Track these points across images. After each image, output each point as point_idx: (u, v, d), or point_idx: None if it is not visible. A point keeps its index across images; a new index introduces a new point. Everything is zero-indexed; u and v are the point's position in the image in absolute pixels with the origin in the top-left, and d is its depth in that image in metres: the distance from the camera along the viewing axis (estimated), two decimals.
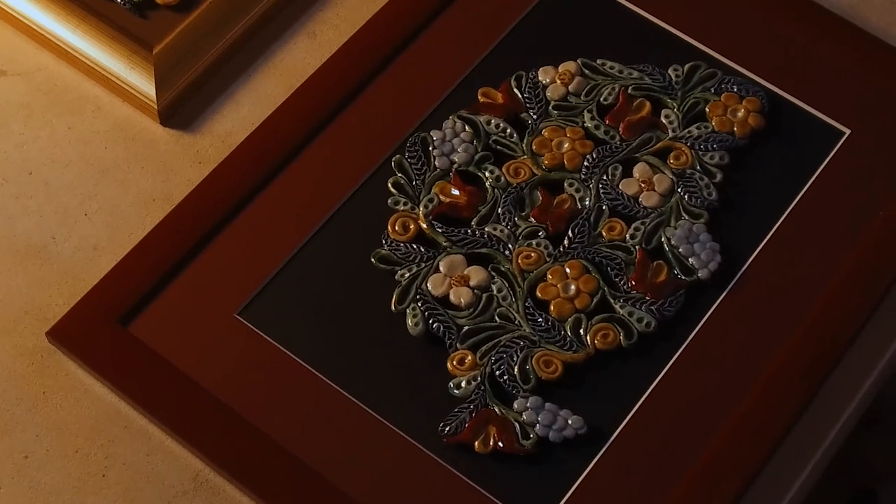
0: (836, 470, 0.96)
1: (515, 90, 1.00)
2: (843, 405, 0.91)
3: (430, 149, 0.97)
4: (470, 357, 0.89)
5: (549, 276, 0.92)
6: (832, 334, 0.92)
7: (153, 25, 1.01)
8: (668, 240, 0.94)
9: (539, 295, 0.92)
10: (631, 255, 0.93)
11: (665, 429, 0.89)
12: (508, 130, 0.98)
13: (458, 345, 0.90)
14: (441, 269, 0.92)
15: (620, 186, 0.96)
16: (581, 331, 0.91)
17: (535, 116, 0.99)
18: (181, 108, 1.00)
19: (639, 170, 0.97)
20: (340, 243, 0.94)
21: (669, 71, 1.01)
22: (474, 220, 0.95)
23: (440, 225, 0.94)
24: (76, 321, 0.91)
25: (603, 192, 0.96)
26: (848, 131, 1.00)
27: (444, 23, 1.03)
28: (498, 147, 0.98)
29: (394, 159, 0.97)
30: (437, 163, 0.96)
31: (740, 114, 0.99)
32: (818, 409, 0.91)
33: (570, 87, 1.00)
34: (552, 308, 0.91)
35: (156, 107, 0.99)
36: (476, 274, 0.92)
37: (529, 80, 1.00)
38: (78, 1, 1.01)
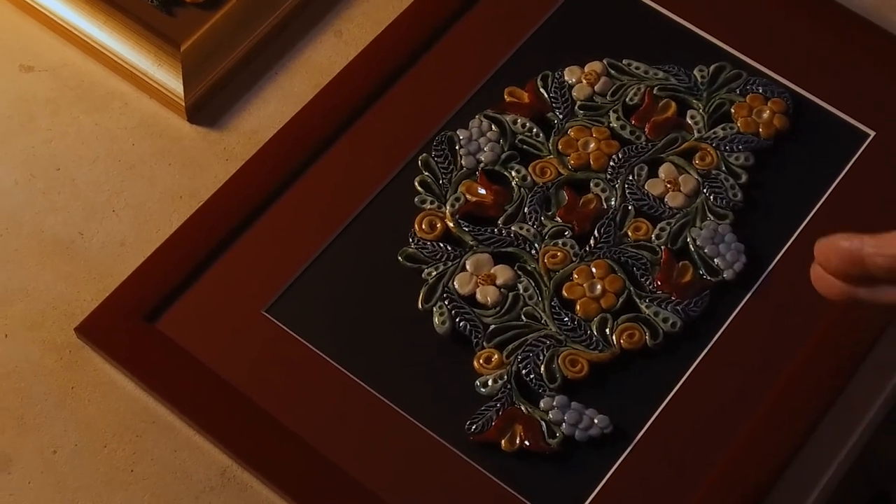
0: (854, 472, 0.96)
1: (542, 90, 1.00)
2: (866, 406, 0.92)
3: (457, 148, 0.97)
4: (496, 356, 0.90)
5: (575, 276, 0.93)
6: (855, 335, 0.92)
7: (180, 22, 1.01)
8: (694, 240, 0.94)
9: (565, 294, 0.92)
10: (656, 255, 0.94)
11: (690, 428, 0.89)
12: (535, 130, 0.98)
13: (484, 343, 0.90)
14: (467, 267, 0.93)
15: (646, 187, 0.96)
16: (607, 330, 0.91)
17: (561, 116, 0.99)
18: (208, 105, 1.01)
19: (664, 170, 0.97)
20: (367, 241, 0.94)
21: (695, 72, 1.01)
22: (501, 219, 0.95)
23: (467, 224, 0.94)
24: (104, 317, 0.91)
25: (629, 193, 0.96)
26: (873, 133, 1.00)
27: (470, 22, 1.04)
28: (524, 146, 0.98)
29: (420, 158, 0.97)
30: (463, 162, 0.97)
31: (765, 115, 0.99)
32: (841, 410, 0.91)
33: (595, 87, 1.00)
34: (578, 307, 0.92)
35: (183, 103, 0.99)
36: (502, 273, 0.92)
37: (555, 80, 1.01)
38: None
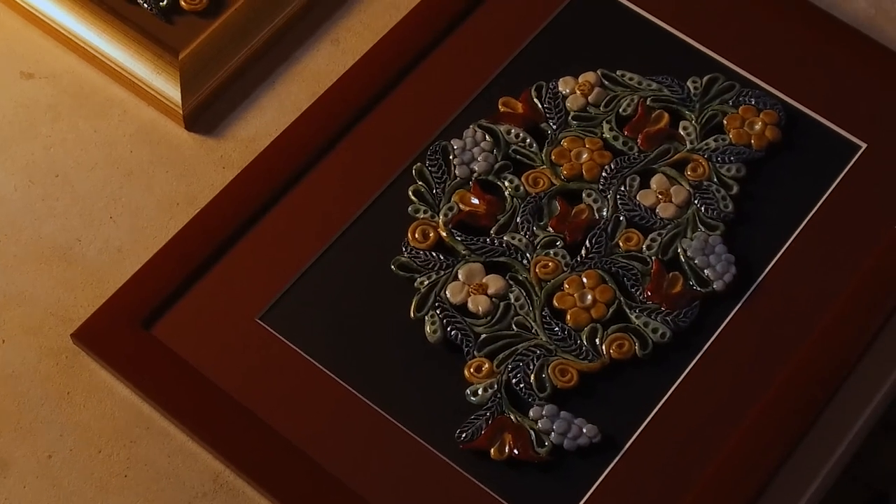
0: (851, 474, 0.97)
1: (535, 100, 1.01)
2: (855, 414, 0.92)
3: (451, 157, 0.98)
4: (487, 365, 0.91)
5: (566, 286, 0.93)
6: (845, 345, 0.93)
7: (179, 31, 1.02)
8: (684, 251, 0.95)
9: (556, 304, 0.93)
10: (647, 265, 0.94)
11: (679, 438, 0.90)
12: (528, 140, 0.99)
13: (475, 352, 0.91)
14: (459, 277, 0.93)
15: (638, 197, 0.97)
16: (597, 340, 0.92)
17: (554, 127, 1.00)
18: (206, 113, 1.02)
19: (656, 181, 0.98)
20: (361, 250, 0.95)
21: (688, 83, 1.02)
22: (493, 228, 0.96)
23: (459, 233, 0.95)
24: (100, 323, 0.92)
25: (620, 203, 0.97)
26: (864, 145, 1.00)
27: (466, 32, 1.04)
28: (517, 157, 0.99)
29: (414, 167, 0.98)
30: (457, 171, 0.98)
31: (757, 126, 1.00)
32: (831, 418, 0.91)
33: (589, 97, 1.01)
34: (568, 317, 0.92)
35: (181, 111, 1.00)
36: (494, 282, 0.93)
37: (549, 91, 1.01)
38: (105, 5, 1.02)
